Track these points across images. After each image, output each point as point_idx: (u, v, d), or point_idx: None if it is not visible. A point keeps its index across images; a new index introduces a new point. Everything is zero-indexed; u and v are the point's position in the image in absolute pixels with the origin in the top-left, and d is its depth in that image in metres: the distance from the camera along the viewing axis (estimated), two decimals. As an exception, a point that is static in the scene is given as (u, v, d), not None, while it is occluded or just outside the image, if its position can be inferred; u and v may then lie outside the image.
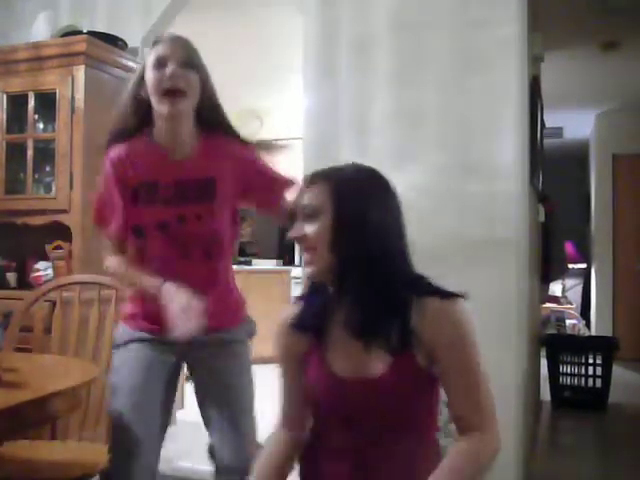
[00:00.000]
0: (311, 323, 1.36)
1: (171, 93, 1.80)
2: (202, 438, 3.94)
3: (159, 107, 1.83)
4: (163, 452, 3.64)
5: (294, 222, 1.34)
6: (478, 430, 1.25)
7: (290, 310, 1.41)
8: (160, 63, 1.82)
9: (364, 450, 1.28)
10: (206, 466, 3.40)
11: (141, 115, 1.91)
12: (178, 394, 4.20)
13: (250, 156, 2.06)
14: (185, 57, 1.86)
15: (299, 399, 1.40)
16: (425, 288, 1.31)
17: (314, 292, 1.39)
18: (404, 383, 1.25)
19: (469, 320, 1.29)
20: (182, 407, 4.28)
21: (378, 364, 1.26)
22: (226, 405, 2.03)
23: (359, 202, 1.30)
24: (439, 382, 1.30)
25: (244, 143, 2.06)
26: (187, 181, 1.87)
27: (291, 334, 1.38)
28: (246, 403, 2.14)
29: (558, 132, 7.30)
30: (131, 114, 1.93)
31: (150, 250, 1.88)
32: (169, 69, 1.79)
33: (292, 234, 1.33)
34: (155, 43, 1.86)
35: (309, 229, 1.30)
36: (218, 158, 1.93)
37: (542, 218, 4.17)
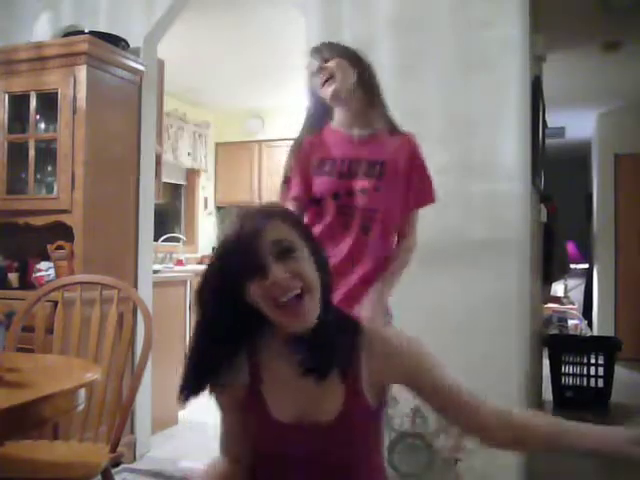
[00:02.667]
0: (240, 373, 1.24)
1: (326, 81, 2.15)
2: (203, 438, 3.95)
3: (324, 95, 2.18)
4: (164, 452, 3.66)
5: (261, 269, 1.15)
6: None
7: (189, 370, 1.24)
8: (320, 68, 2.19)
9: None
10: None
11: (323, 110, 2.23)
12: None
13: (418, 156, 2.23)
14: (339, 51, 2.21)
15: (240, 435, 1.30)
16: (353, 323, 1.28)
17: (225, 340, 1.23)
18: (356, 424, 1.22)
19: (406, 339, 1.26)
20: (184, 407, 4.27)
21: (329, 407, 1.21)
22: None
23: (311, 234, 1.27)
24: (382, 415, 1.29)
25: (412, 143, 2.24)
26: (359, 159, 2.09)
27: (220, 391, 1.27)
28: None
29: (560, 132, 7.29)
30: (316, 110, 2.27)
31: (323, 218, 2.08)
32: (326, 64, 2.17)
33: (280, 276, 1.13)
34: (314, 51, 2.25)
35: (295, 265, 1.16)
36: (394, 147, 2.16)
37: (544, 218, 4.17)
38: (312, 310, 1.17)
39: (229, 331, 1.21)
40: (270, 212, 1.23)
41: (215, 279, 1.20)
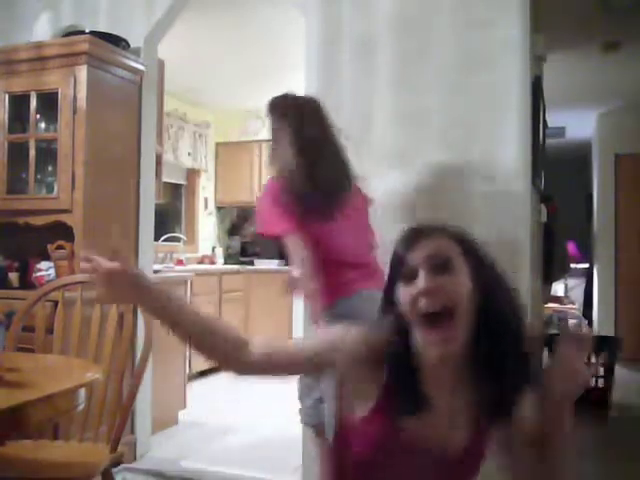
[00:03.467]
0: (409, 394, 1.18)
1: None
2: (203, 438, 3.96)
3: None
4: (164, 452, 3.66)
5: (413, 277, 1.16)
6: None
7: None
8: None
9: None
10: (208, 466, 3.42)
11: None
12: (180, 394, 4.24)
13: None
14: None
15: (317, 361, 1.24)
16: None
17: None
18: (483, 449, 1.24)
19: None
20: (184, 407, 4.28)
21: (458, 440, 1.20)
22: None
23: (490, 265, 1.23)
24: None
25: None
26: None
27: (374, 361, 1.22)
28: None
29: (560, 132, 7.29)
30: None
31: None
32: None
33: (427, 285, 1.13)
34: None
35: (448, 281, 1.14)
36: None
37: (544, 218, 4.17)
38: (457, 334, 1.14)
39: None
40: (441, 228, 1.25)
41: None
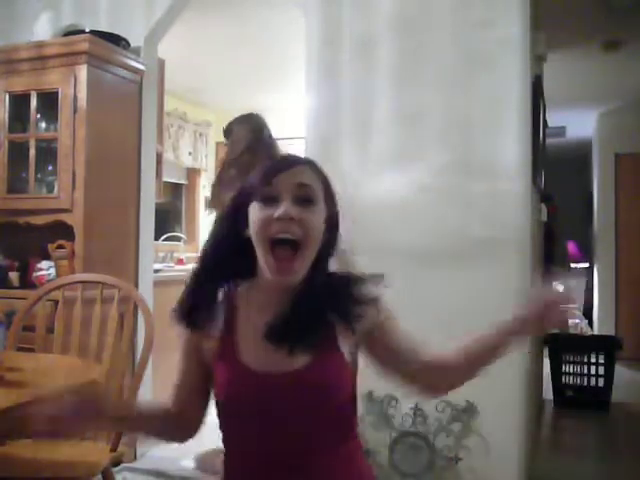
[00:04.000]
0: (219, 319, 1.25)
1: None
2: (204, 438, 3.94)
3: None
4: (164, 452, 3.66)
5: (274, 201, 1.18)
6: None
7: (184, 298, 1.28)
8: None
9: (288, 454, 1.20)
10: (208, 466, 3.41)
11: None
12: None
13: None
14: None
15: (193, 385, 1.31)
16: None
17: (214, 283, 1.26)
18: (328, 375, 1.21)
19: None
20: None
21: (300, 358, 1.19)
22: None
23: (336, 202, 1.28)
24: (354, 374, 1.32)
25: None
26: None
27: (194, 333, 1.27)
28: None
29: (561, 131, 7.29)
30: None
31: None
32: None
33: (288, 212, 1.15)
34: None
35: (308, 215, 1.17)
36: None
37: (544, 218, 4.17)
38: (301, 267, 1.18)
39: (222, 260, 1.25)
40: (309, 159, 1.28)
41: (240, 189, 1.26)
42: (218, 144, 7.24)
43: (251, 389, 1.20)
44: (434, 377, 1.29)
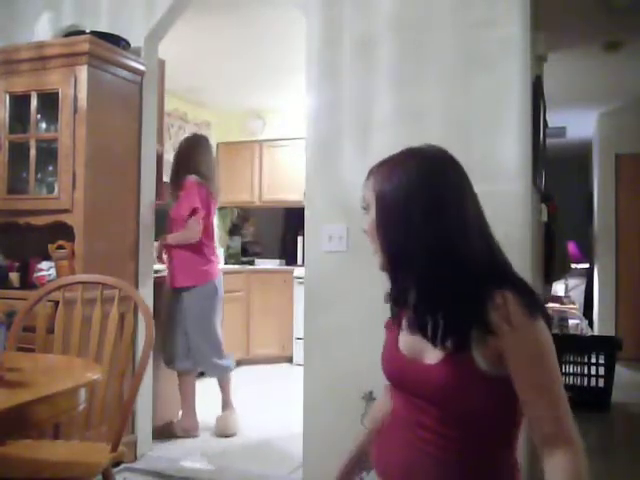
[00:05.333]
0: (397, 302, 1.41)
1: None
2: (204, 438, 3.96)
3: None
4: (166, 452, 3.66)
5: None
6: (566, 445, 1.18)
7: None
8: None
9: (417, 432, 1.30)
10: (208, 466, 3.42)
11: None
12: (180, 396, 4.22)
13: None
14: None
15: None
16: (509, 282, 1.27)
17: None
18: (457, 378, 1.22)
19: (549, 340, 1.25)
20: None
21: (434, 354, 1.27)
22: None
23: (398, 196, 1.28)
24: (507, 390, 1.23)
25: None
26: None
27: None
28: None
29: (561, 132, 7.30)
30: None
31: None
32: None
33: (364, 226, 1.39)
34: None
35: (366, 221, 1.37)
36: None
37: (545, 218, 4.17)
38: (378, 259, 1.36)
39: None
40: (375, 166, 1.40)
41: None
42: (218, 144, 7.25)
43: (395, 367, 1.39)
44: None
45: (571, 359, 4.83)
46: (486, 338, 1.20)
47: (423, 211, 1.27)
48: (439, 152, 1.37)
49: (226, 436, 3.93)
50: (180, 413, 4.07)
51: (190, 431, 3.94)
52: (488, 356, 1.21)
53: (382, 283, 1.42)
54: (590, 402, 4.75)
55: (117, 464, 3.23)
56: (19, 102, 3.31)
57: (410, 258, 1.28)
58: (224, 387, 4.10)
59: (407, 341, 1.36)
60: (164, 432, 3.88)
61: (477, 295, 1.22)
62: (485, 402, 1.24)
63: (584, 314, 7.26)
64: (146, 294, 3.46)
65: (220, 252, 7.19)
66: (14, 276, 3.33)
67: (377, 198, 1.32)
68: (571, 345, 4.99)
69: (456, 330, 1.23)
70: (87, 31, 3.29)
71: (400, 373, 1.36)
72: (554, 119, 5.56)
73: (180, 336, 3.96)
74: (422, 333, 1.29)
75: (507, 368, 1.21)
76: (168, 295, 4.02)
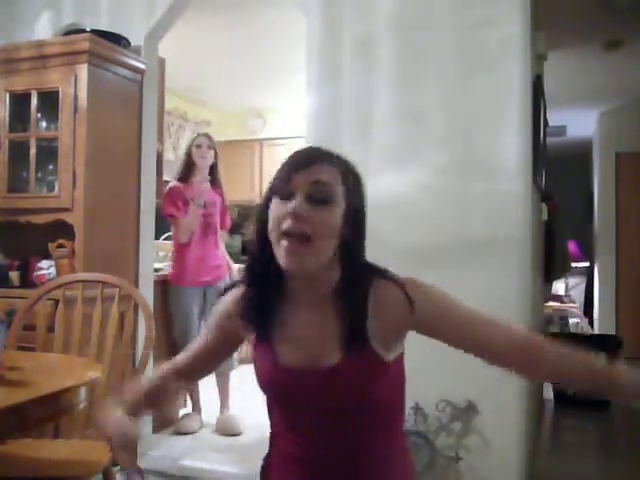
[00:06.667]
0: (260, 316, 1.30)
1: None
2: (205, 438, 3.96)
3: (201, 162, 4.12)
4: (167, 451, 3.66)
5: (290, 197, 1.20)
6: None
7: (234, 294, 1.36)
8: None
9: (316, 445, 1.27)
10: (209, 465, 3.42)
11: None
12: (181, 394, 4.23)
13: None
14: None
15: (201, 362, 1.43)
16: (381, 275, 1.28)
17: (260, 283, 1.30)
18: (360, 371, 1.22)
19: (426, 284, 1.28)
20: (185, 406, 4.29)
21: (332, 355, 1.22)
22: None
23: (361, 196, 1.30)
24: (402, 372, 1.30)
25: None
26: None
27: (233, 318, 1.33)
28: None
29: (561, 131, 7.29)
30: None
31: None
32: None
33: (297, 209, 1.17)
34: None
35: (319, 214, 1.19)
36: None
37: (545, 217, 4.17)
38: (311, 260, 1.19)
39: (260, 258, 1.28)
40: (331, 155, 1.26)
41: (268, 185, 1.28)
42: (218, 143, 7.25)
43: (285, 383, 1.26)
44: (527, 360, 1.26)
45: (571, 358, 4.82)
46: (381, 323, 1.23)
47: (364, 213, 1.31)
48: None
49: (233, 435, 3.93)
50: (182, 411, 4.09)
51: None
52: (381, 341, 1.23)
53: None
54: (590, 401, 4.75)
55: (117, 463, 3.22)
56: (19, 101, 3.31)
57: (358, 250, 1.28)
58: (225, 387, 4.11)
59: (292, 352, 1.26)
60: (165, 423, 3.95)
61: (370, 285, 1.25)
62: (387, 392, 1.26)
63: (584, 313, 7.27)
64: (146, 292, 3.46)
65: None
66: (14, 275, 3.33)
67: (350, 197, 1.25)
68: (571, 344, 4.96)
69: (362, 321, 1.23)
70: (87, 30, 3.28)
71: (298, 392, 1.26)
72: (554, 118, 5.56)
73: None
74: (343, 328, 1.22)
75: (434, 333, 1.25)
76: (186, 292, 4.01)
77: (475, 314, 1.25)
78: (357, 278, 1.25)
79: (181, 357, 1.42)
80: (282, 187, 1.21)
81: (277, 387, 1.29)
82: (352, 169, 1.29)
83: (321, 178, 1.20)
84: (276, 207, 1.20)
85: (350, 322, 1.22)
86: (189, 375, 1.42)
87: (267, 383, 1.30)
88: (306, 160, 1.23)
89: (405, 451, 1.36)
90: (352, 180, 1.27)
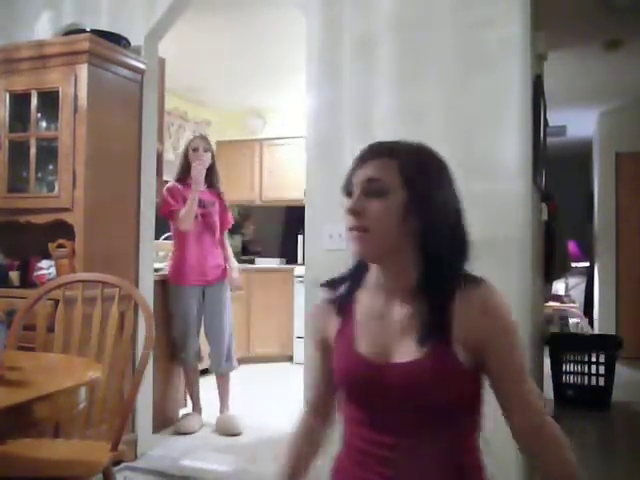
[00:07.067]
0: (345, 301, 1.35)
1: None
2: (205, 438, 3.96)
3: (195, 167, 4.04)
4: (167, 451, 3.67)
5: (351, 194, 1.29)
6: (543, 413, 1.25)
7: (326, 292, 1.40)
8: None
9: (395, 445, 1.23)
10: (209, 465, 3.42)
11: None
12: (181, 393, 4.25)
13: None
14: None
15: (326, 385, 1.41)
16: (468, 278, 1.30)
17: (357, 271, 1.37)
18: (439, 370, 1.20)
19: (508, 306, 1.29)
20: (185, 405, 4.29)
21: (409, 350, 1.22)
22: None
23: (428, 185, 1.30)
24: (479, 381, 1.26)
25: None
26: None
27: (325, 314, 1.38)
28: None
29: (561, 131, 7.29)
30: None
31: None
32: None
33: (353, 206, 1.26)
34: None
35: (373, 206, 1.24)
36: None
37: (545, 217, 4.17)
38: (372, 248, 1.25)
39: None
40: (390, 148, 1.32)
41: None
42: (218, 143, 7.25)
43: (362, 375, 1.27)
44: (522, 441, 1.26)
45: (571, 358, 4.83)
46: (461, 328, 1.22)
47: (443, 204, 1.32)
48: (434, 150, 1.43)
49: (233, 435, 3.94)
50: (182, 411, 4.09)
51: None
52: (464, 346, 1.21)
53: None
54: (590, 401, 4.76)
55: (117, 463, 3.23)
56: (19, 101, 3.32)
57: (440, 241, 1.29)
58: (225, 387, 4.12)
59: (369, 343, 1.28)
60: (165, 423, 3.97)
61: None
62: (465, 395, 1.24)
63: (584, 313, 7.27)
64: (146, 293, 3.46)
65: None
66: (14, 275, 3.33)
67: (408, 186, 1.26)
68: (571, 344, 4.99)
69: (444, 320, 1.22)
70: (87, 30, 3.29)
71: (373, 384, 1.25)
72: (554, 118, 5.56)
73: (223, 334, 4.11)
74: (421, 322, 1.22)
75: (483, 357, 1.23)
76: (186, 291, 4.03)
77: (520, 368, 1.25)
78: (439, 273, 1.26)
79: (311, 396, 1.46)
80: (346, 186, 1.31)
81: (354, 379, 1.28)
82: (417, 158, 1.34)
83: (372, 174, 1.27)
84: (345, 206, 1.29)
85: (429, 319, 1.22)
86: (326, 409, 1.44)
87: (345, 375, 1.30)
88: (362, 158, 1.32)
89: (479, 469, 1.30)
90: (417, 168, 1.30)
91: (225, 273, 4.19)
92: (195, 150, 4.05)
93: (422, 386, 1.20)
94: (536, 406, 1.24)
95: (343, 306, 1.35)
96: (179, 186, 4.05)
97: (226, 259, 4.27)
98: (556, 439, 1.23)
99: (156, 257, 4.51)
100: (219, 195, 4.25)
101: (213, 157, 4.15)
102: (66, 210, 3.16)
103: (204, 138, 4.18)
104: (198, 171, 3.93)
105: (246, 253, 7.23)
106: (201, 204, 4.03)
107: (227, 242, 4.38)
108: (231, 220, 4.38)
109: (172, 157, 6.36)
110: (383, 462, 1.23)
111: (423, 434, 1.22)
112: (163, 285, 4.03)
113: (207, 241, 4.10)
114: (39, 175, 3.31)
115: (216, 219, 4.17)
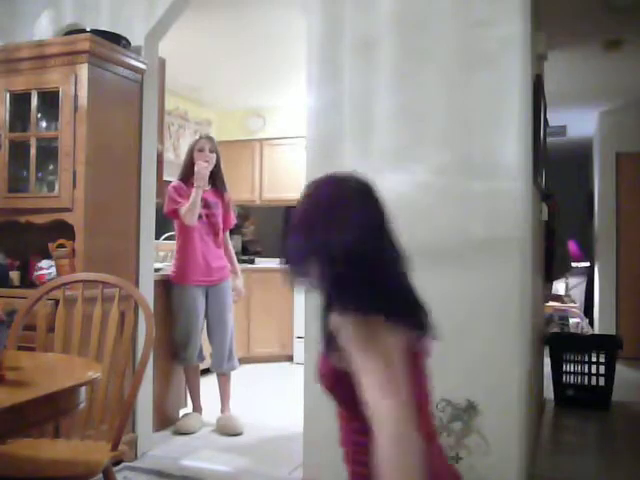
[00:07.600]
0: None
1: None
2: (205, 438, 3.96)
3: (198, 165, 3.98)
4: (167, 451, 3.66)
5: None
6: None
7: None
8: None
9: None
10: (209, 465, 3.42)
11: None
12: (181, 393, 4.25)
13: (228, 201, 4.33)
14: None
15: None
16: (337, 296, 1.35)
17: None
18: (327, 378, 1.38)
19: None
20: (185, 405, 4.29)
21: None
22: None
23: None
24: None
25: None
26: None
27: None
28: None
29: (561, 131, 7.29)
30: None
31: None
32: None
33: None
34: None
35: None
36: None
37: (545, 217, 4.17)
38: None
39: None
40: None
41: None
42: (218, 143, 7.25)
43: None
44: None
45: (572, 358, 4.83)
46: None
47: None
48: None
49: (233, 434, 3.93)
50: (182, 411, 4.09)
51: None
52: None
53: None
54: (590, 401, 4.76)
55: (118, 463, 3.23)
56: (19, 101, 3.31)
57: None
58: (225, 387, 4.12)
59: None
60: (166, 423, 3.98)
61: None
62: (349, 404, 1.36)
63: (585, 313, 7.28)
64: (147, 292, 3.46)
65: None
66: (14, 275, 3.33)
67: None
68: (571, 344, 4.99)
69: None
70: (87, 29, 3.29)
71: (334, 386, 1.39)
72: (554, 118, 5.57)
73: (226, 334, 4.13)
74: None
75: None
76: (190, 290, 4.04)
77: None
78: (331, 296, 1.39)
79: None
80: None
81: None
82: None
83: None
84: None
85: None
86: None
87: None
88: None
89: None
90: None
91: (228, 274, 4.20)
92: (201, 150, 4.04)
93: (329, 390, 1.40)
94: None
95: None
96: (184, 185, 4.05)
97: (229, 261, 4.28)
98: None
99: (156, 257, 4.51)
100: (222, 196, 4.25)
101: (218, 159, 4.14)
102: (66, 210, 3.16)
103: (210, 139, 4.16)
104: (204, 167, 3.93)
105: (246, 253, 7.23)
106: (206, 204, 4.04)
107: (230, 244, 4.38)
108: (233, 220, 4.38)
109: (172, 157, 6.36)
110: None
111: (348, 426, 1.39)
112: (163, 285, 4.03)
113: (211, 241, 4.11)
114: (39, 175, 3.30)
115: (219, 220, 4.18)
